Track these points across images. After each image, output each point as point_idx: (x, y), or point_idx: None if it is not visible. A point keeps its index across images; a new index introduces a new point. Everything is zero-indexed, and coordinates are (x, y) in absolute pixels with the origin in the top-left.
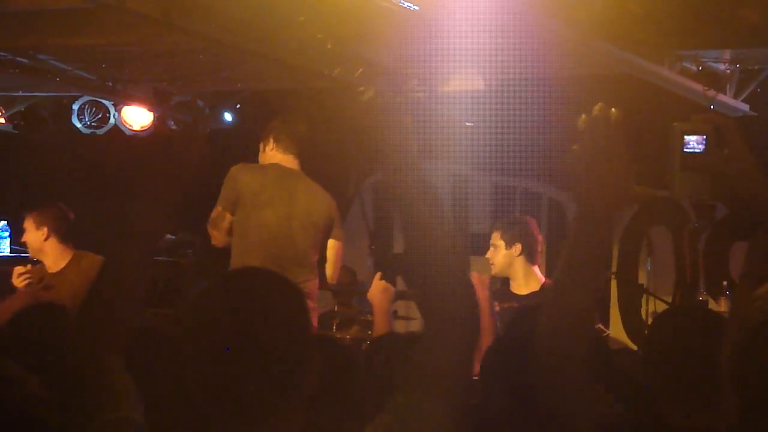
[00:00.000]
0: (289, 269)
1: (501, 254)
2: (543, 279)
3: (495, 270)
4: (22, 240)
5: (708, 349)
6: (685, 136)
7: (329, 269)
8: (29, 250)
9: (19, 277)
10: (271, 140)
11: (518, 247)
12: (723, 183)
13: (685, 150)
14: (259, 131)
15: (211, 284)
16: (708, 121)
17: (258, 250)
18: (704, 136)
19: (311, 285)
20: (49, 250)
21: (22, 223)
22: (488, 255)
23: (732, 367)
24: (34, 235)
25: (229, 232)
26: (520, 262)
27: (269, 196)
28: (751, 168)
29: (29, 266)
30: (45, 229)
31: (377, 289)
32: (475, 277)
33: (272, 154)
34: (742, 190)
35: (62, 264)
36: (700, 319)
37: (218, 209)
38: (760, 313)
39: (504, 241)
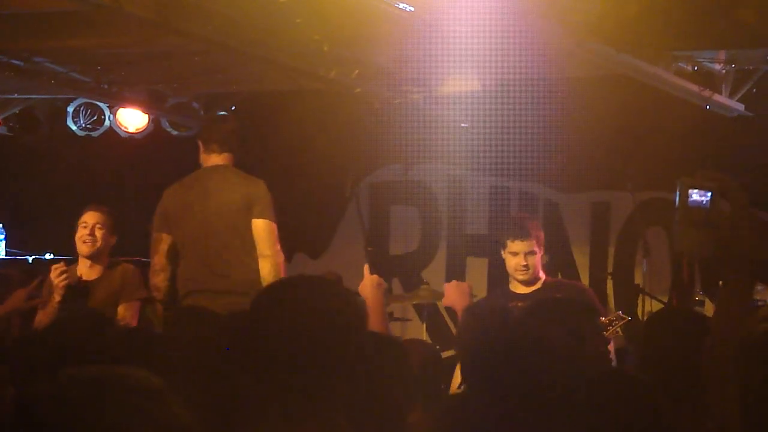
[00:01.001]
0: (216, 264)
1: (536, 263)
2: (543, 276)
3: (528, 276)
4: (91, 234)
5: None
6: (691, 191)
7: (260, 249)
8: (91, 246)
9: (59, 276)
10: (201, 144)
11: (542, 250)
12: (724, 240)
13: (691, 204)
14: (254, 133)
15: (265, 292)
16: (713, 178)
17: (187, 255)
18: (709, 192)
19: (247, 270)
20: (102, 255)
21: (85, 214)
22: (521, 263)
23: (737, 379)
24: (106, 236)
25: (170, 254)
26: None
27: (187, 201)
28: (753, 226)
29: (62, 264)
30: (113, 235)
31: (370, 283)
32: (453, 285)
33: (205, 157)
34: (742, 247)
35: (99, 272)
36: (688, 321)
37: (154, 234)
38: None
39: (538, 246)
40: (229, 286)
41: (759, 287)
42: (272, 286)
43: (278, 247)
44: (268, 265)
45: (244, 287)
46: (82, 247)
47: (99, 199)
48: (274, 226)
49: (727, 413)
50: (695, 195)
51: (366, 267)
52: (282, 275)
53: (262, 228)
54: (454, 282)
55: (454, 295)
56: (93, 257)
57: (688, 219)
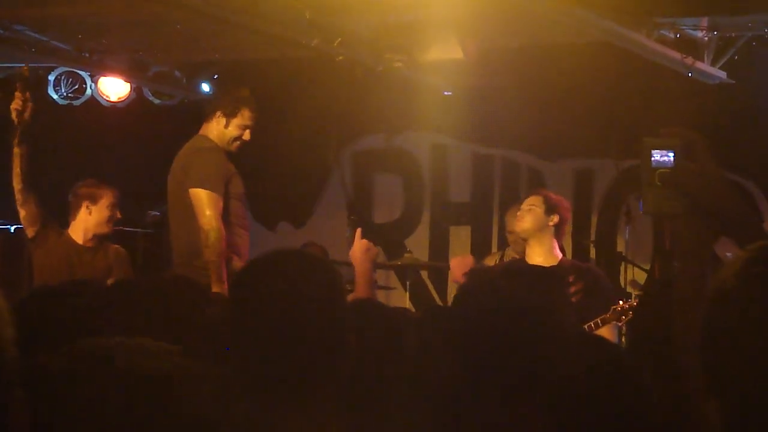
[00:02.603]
0: (171, 239)
1: (536, 216)
2: (560, 255)
3: (522, 227)
4: (117, 215)
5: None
6: (654, 151)
7: (199, 220)
8: (114, 225)
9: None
10: None
11: (555, 218)
12: (691, 197)
13: (654, 165)
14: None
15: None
16: (676, 135)
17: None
18: (672, 151)
19: (185, 241)
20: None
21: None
22: (519, 215)
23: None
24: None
25: None
26: (549, 233)
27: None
28: (718, 182)
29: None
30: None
31: (360, 248)
32: (457, 260)
33: None
34: (708, 205)
35: (94, 243)
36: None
37: None
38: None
39: (545, 206)
40: (176, 258)
41: (728, 254)
42: (248, 264)
43: (209, 214)
44: (202, 236)
45: (183, 258)
46: (109, 228)
47: (81, 168)
48: (204, 192)
49: (694, 376)
50: (658, 155)
51: (358, 231)
52: (215, 243)
53: (192, 197)
54: (458, 257)
55: (458, 270)
56: (106, 229)
57: (652, 179)
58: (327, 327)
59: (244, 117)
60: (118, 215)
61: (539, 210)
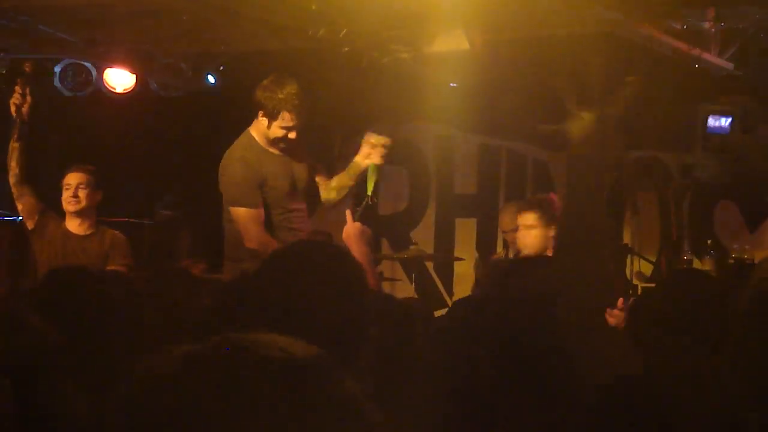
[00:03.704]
0: (226, 232)
1: (539, 235)
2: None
3: (529, 251)
4: (74, 195)
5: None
6: (710, 117)
7: (244, 241)
8: (76, 205)
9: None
10: None
11: (554, 228)
12: (744, 166)
13: (709, 131)
14: (242, 93)
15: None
16: (735, 103)
17: None
18: (730, 118)
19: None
20: (89, 213)
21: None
22: (520, 237)
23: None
24: (90, 195)
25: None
26: (551, 243)
27: None
28: None
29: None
30: (97, 191)
31: (353, 231)
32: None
33: None
34: (762, 176)
35: (87, 229)
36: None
37: None
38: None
39: (542, 222)
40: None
41: (747, 246)
42: (273, 255)
43: (252, 233)
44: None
45: (227, 249)
46: (68, 207)
47: (87, 160)
48: (241, 211)
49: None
50: (713, 121)
51: (348, 213)
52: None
53: (233, 215)
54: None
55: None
56: (80, 214)
57: (706, 145)
58: (350, 318)
59: (284, 119)
60: (80, 193)
61: (538, 230)
